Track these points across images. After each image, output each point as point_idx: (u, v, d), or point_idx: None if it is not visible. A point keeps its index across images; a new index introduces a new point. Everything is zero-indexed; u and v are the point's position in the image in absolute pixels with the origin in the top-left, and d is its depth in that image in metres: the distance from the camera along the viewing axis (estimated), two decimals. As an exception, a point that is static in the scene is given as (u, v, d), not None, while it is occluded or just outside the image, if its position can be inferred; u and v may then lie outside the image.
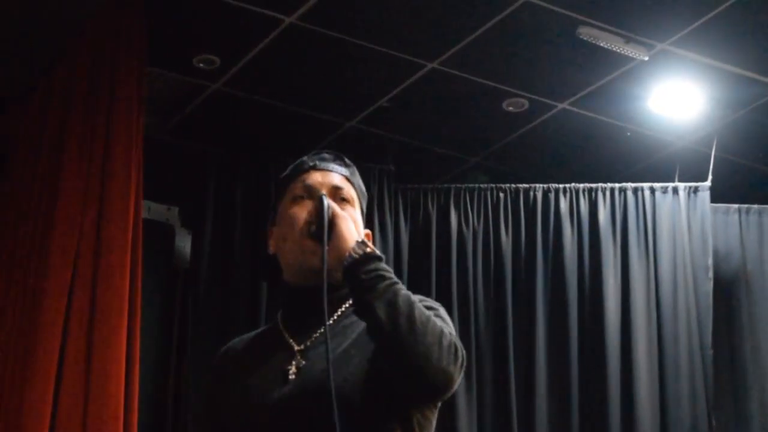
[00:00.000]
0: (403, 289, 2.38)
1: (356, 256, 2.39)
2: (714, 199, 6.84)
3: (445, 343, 2.32)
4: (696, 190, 6.79)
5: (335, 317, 2.56)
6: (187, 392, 6.19)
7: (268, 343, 2.63)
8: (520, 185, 6.81)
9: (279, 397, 2.47)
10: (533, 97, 6.34)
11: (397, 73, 6.11)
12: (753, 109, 6.43)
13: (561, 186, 6.79)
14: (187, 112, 6.41)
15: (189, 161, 6.62)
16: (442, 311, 2.52)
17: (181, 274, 6.63)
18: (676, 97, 6.33)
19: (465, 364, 2.39)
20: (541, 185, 6.80)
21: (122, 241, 5.00)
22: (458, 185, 6.83)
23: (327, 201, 2.50)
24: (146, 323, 5.61)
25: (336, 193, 2.62)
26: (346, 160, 2.75)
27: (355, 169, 2.74)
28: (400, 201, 6.76)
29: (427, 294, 6.34)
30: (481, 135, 6.81)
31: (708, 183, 6.78)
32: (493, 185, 6.81)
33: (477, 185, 6.81)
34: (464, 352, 2.39)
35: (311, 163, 2.69)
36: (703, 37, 5.72)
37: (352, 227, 2.48)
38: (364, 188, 2.75)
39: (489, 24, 5.65)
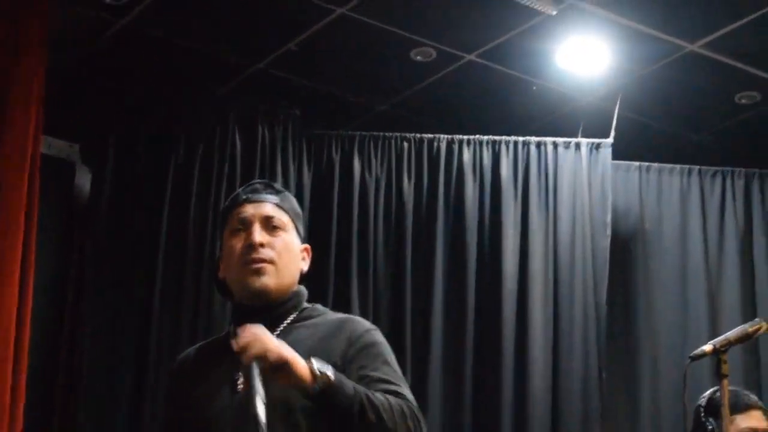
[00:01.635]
0: (362, 399, 2.64)
1: (318, 389, 2.61)
2: (616, 156, 6.91)
3: (410, 423, 2.69)
4: (598, 146, 6.86)
5: (277, 333, 2.81)
6: (83, 331, 6.12)
7: (219, 353, 2.89)
8: (425, 135, 6.81)
9: (227, 406, 2.73)
10: (441, 47, 6.33)
11: (306, 17, 6.06)
12: (658, 68, 6.48)
13: (465, 137, 6.81)
14: (93, 48, 6.29)
15: (93, 98, 6.51)
16: (385, 347, 2.89)
17: (79, 213, 6.54)
18: (583, 53, 6.35)
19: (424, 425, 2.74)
20: (446, 136, 6.81)
21: (18, 176, 4.91)
22: (363, 132, 6.81)
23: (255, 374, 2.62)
24: (42, 262, 5.53)
25: (267, 222, 2.95)
26: (276, 186, 3.08)
27: (286, 194, 3.07)
28: (305, 146, 6.73)
29: (328, 241, 6.38)
30: (388, 83, 6.79)
31: (610, 140, 6.84)
32: (398, 134, 6.81)
33: (381, 133, 6.80)
34: (420, 415, 2.75)
35: (244, 197, 3.01)
36: (610, -7, 5.76)
37: (298, 365, 2.62)
38: (297, 208, 3.10)
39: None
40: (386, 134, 6.81)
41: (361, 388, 2.65)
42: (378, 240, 6.64)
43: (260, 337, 2.61)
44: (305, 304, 3.01)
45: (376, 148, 6.79)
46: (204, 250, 6.29)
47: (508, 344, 6.46)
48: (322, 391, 2.59)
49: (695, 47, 6.23)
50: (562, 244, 6.68)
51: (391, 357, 2.86)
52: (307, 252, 3.06)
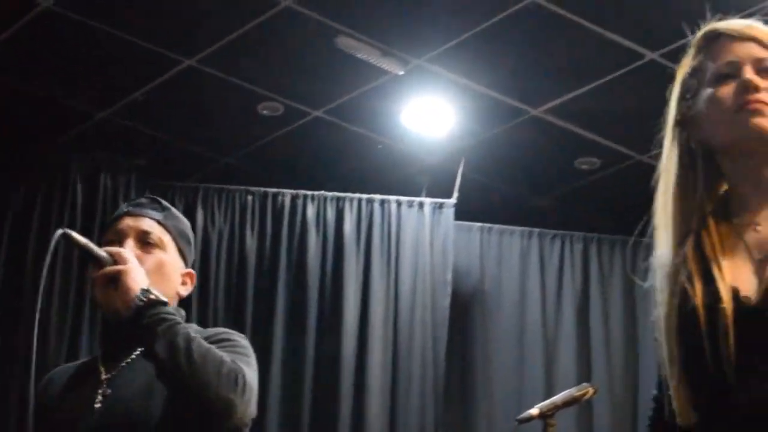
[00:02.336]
0: (183, 328, 2.52)
1: (140, 303, 2.51)
2: (458, 216, 6.99)
3: (224, 371, 2.48)
4: (441, 206, 6.94)
5: (140, 350, 2.65)
6: None
7: (84, 372, 2.79)
8: (269, 189, 6.81)
9: (85, 426, 2.61)
10: (289, 102, 6.34)
11: (153, 67, 6.01)
12: (502, 131, 6.59)
13: (310, 193, 6.82)
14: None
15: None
16: (240, 341, 2.72)
17: None
18: (429, 114, 6.44)
19: (251, 389, 2.58)
20: (290, 191, 6.81)
21: None
22: (207, 185, 6.78)
23: (55, 237, 2.57)
24: None
25: (143, 237, 2.79)
26: (164, 203, 2.91)
27: (172, 212, 2.90)
28: (148, 197, 6.64)
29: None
30: (235, 136, 6.77)
31: (453, 200, 6.92)
32: (243, 187, 6.79)
33: (226, 186, 6.77)
34: (249, 377, 2.57)
35: (125, 209, 2.87)
36: (458, 56, 5.85)
37: (137, 277, 2.56)
38: (184, 229, 2.91)
39: (249, 26, 5.63)
40: (230, 187, 6.79)
41: (187, 331, 2.52)
42: (219, 292, 6.58)
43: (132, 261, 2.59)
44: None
45: (219, 200, 6.76)
46: (39, 300, 6.13)
47: (346, 398, 6.46)
48: (139, 309, 2.50)
49: (538, 112, 6.36)
50: (402, 302, 6.72)
51: (247, 352, 2.72)
52: (190, 277, 2.89)
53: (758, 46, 2.07)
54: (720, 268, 1.95)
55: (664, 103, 6.64)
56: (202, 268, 6.57)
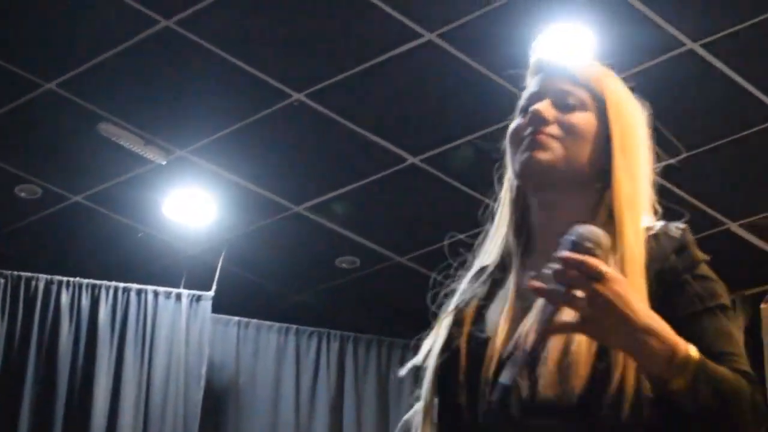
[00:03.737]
0: None
1: None
2: (217, 309, 6.95)
3: None
4: (199, 298, 6.89)
5: None
6: None
7: None
8: (23, 273, 6.62)
9: None
10: (47, 186, 6.23)
11: None
12: (264, 225, 6.61)
13: (65, 279, 6.67)
14: None
15: None
16: None
17: None
18: (191, 205, 6.42)
19: None
20: (45, 276, 6.64)
21: None
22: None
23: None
24: None
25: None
26: None
27: None
28: None
29: None
30: (-10, 218, 6.60)
31: (211, 293, 6.89)
32: (-6, 271, 6.60)
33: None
34: None
35: None
36: (221, 149, 5.87)
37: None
38: None
39: (9, 107, 5.53)
40: (-18, 270, 6.59)
41: None
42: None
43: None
44: None
45: (-31, 283, 6.54)
46: None
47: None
48: None
49: (301, 209, 6.42)
50: (154, 393, 6.61)
51: None
52: None
53: (568, 80, 1.98)
54: (499, 312, 1.90)
55: (424, 206, 6.85)
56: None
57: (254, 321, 7.25)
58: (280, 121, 5.65)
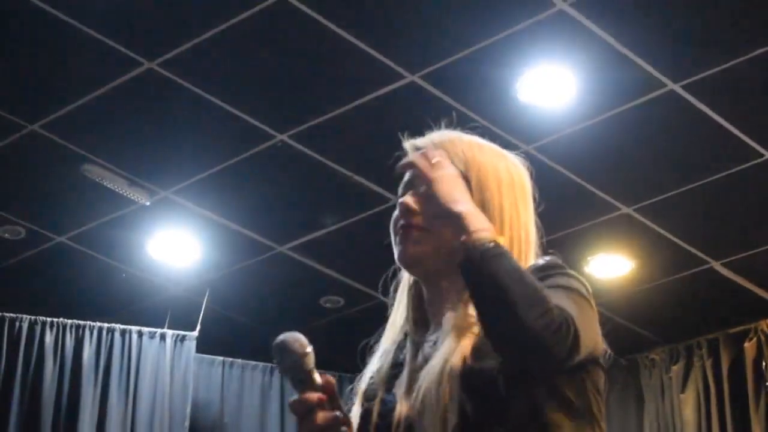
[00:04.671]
0: None
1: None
2: (201, 349, 6.95)
3: None
4: (183, 338, 6.88)
5: None
6: None
7: None
8: (6, 314, 6.61)
9: None
10: (31, 226, 6.23)
11: None
12: (247, 265, 6.62)
13: (49, 320, 6.66)
14: None
15: None
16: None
17: None
18: (174, 245, 6.42)
19: None
20: (28, 317, 6.63)
21: None
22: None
23: None
24: None
25: None
26: None
27: None
28: None
29: None
30: (-28, 258, 6.60)
31: (195, 333, 6.88)
32: (-21, 312, 6.59)
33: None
34: None
35: None
36: (205, 190, 5.88)
37: None
38: None
39: (-8, 149, 5.55)
40: (-34, 311, 6.58)
41: None
42: (-55, 421, 6.33)
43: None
44: None
45: (-46, 324, 6.53)
46: None
47: None
48: None
49: (284, 249, 6.43)
50: (139, 433, 6.60)
51: None
52: None
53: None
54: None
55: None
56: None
57: (239, 361, 7.25)
58: (264, 162, 5.67)
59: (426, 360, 1.96)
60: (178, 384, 6.79)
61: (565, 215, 5.92)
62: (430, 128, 5.57)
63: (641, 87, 5.11)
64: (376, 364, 2.10)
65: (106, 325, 6.77)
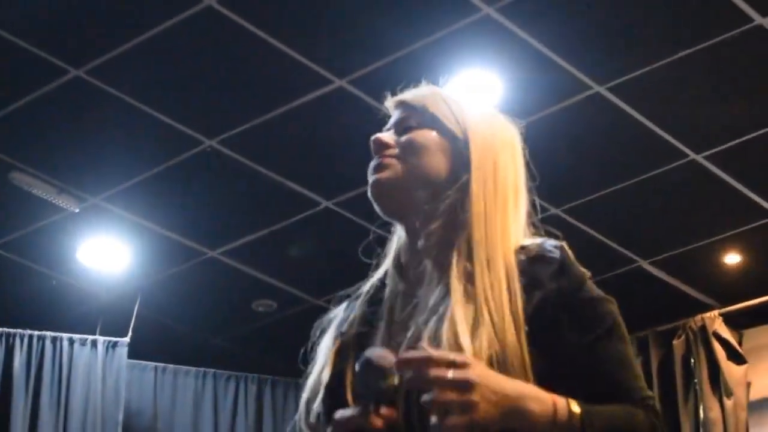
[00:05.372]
0: None
1: None
2: (134, 355, 6.93)
3: None
4: (115, 344, 6.85)
5: None
6: None
7: None
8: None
9: None
10: (-42, 234, 6.18)
11: None
12: (178, 271, 6.60)
13: (-17, 329, 6.62)
14: None
15: None
16: None
17: None
18: (105, 251, 6.39)
19: None
20: (-45, 327, 6.59)
21: None
22: None
23: None
24: None
25: None
26: None
27: None
28: None
29: None
30: None
31: (127, 339, 6.86)
32: None
33: None
34: None
35: None
36: (134, 196, 5.87)
37: None
38: None
39: None
40: None
41: None
42: None
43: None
44: None
45: None
46: None
47: None
48: None
49: (215, 254, 6.43)
50: (71, 442, 6.57)
51: None
52: None
53: (405, 109, 2.03)
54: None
55: (340, 248, 6.84)
56: None
57: (171, 366, 7.23)
58: (193, 168, 5.66)
59: (410, 317, 1.89)
60: (110, 390, 6.76)
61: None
62: (358, 132, 5.58)
63: (567, 90, 5.17)
64: (343, 322, 2.00)
65: (36, 332, 6.73)
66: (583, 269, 1.91)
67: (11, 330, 6.68)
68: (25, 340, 6.70)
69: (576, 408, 1.73)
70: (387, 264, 2.04)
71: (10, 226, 6.16)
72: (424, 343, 1.78)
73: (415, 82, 5.16)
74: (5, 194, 5.81)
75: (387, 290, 1.99)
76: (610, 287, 6.40)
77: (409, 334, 1.86)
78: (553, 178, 5.79)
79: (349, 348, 1.93)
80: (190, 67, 5.06)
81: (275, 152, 5.65)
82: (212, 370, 7.30)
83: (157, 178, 5.73)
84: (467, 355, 1.73)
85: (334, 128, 5.42)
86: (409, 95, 2.06)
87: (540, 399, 1.72)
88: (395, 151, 1.97)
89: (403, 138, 1.99)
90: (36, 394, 6.60)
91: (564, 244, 1.92)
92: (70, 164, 5.63)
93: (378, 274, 2.04)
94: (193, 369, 7.27)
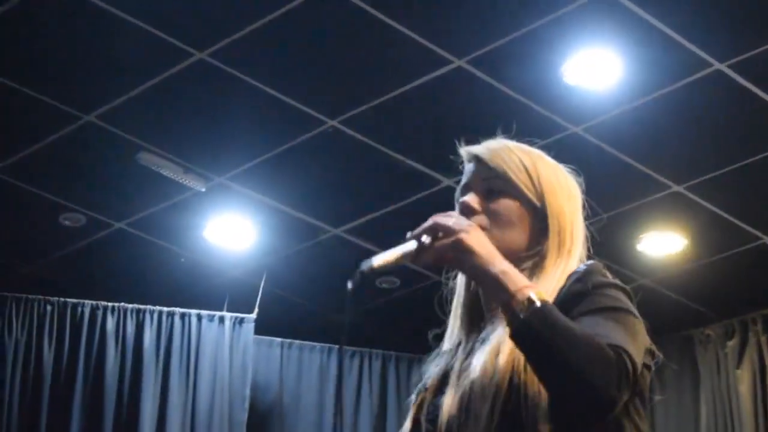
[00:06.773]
0: None
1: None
2: (259, 331, 7.05)
3: None
4: (242, 321, 6.99)
5: None
6: None
7: None
8: (69, 300, 6.76)
9: None
10: (90, 213, 6.35)
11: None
12: (303, 248, 6.71)
13: (110, 305, 6.80)
14: None
15: None
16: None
17: None
18: (231, 229, 6.52)
19: None
20: (90, 302, 6.77)
21: None
22: (4, 293, 6.69)
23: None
24: None
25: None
26: None
27: None
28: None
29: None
30: (34, 246, 6.72)
31: (254, 315, 6.99)
32: (41, 297, 6.72)
33: (24, 295, 6.69)
34: None
35: None
36: (259, 175, 5.97)
37: None
38: None
39: (50, 139, 5.66)
40: (29, 296, 6.72)
41: None
42: (13, 404, 6.47)
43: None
44: None
45: (18, 309, 6.67)
46: None
47: None
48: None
49: (339, 231, 6.51)
50: (200, 415, 6.72)
51: None
52: None
53: (483, 169, 2.13)
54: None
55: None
56: (-4, 375, 6.48)
57: (297, 342, 7.35)
58: (315, 147, 5.74)
59: (473, 356, 2.04)
60: (237, 366, 6.90)
61: (616, 194, 5.96)
62: (477, 112, 5.59)
63: (687, 67, 5.12)
64: (429, 373, 2.18)
65: (166, 309, 6.89)
66: (608, 277, 2.01)
67: (141, 306, 6.86)
68: (155, 317, 6.87)
69: (537, 302, 1.83)
70: (458, 317, 2.20)
71: (139, 205, 6.31)
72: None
73: (533, 61, 5.18)
74: (133, 174, 5.96)
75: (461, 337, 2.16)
76: (735, 264, 6.38)
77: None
78: (674, 156, 5.80)
79: (425, 402, 2.13)
80: (312, 50, 5.13)
81: (395, 132, 5.70)
82: (337, 346, 7.39)
83: (281, 158, 5.83)
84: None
85: (453, 108, 5.45)
86: (485, 152, 2.16)
87: (513, 279, 1.88)
88: (483, 219, 2.09)
89: (490, 206, 2.10)
90: (165, 369, 6.77)
91: (596, 261, 2.05)
92: (196, 145, 5.75)
93: (455, 329, 2.21)
94: (318, 345, 7.38)
